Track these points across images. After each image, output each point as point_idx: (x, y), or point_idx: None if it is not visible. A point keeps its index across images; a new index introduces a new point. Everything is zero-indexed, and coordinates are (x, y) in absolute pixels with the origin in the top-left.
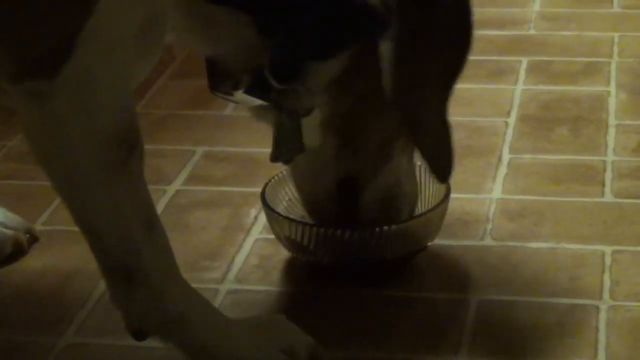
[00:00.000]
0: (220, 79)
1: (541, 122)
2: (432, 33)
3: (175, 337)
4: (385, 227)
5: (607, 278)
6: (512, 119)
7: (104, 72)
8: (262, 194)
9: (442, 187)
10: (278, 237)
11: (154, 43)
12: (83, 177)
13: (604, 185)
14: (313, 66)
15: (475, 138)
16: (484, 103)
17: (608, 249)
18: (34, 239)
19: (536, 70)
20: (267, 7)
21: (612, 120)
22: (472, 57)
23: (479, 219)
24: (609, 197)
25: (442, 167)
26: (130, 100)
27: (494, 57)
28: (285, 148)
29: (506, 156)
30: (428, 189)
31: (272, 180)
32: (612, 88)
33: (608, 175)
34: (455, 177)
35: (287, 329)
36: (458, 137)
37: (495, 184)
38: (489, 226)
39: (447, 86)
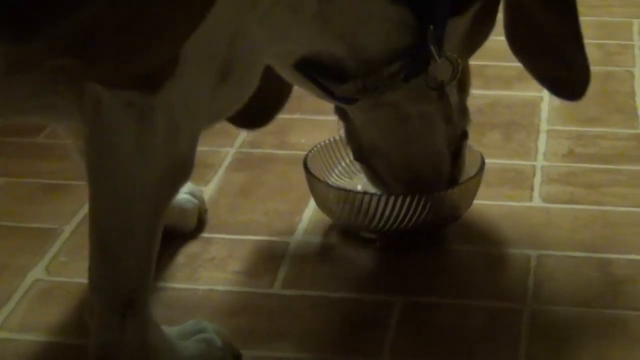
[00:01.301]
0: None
1: (474, 126)
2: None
3: None
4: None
5: (531, 282)
6: None
7: (198, 92)
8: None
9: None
10: (324, 206)
11: (242, 68)
12: (142, 198)
13: (532, 189)
14: (451, 24)
15: None
16: None
17: (534, 253)
18: (205, 210)
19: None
20: None
21: (543, 126)
22: None
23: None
24: (537, 202)
25: (579, 83)
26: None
27: None
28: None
29: None
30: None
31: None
32: (545, 93)
33: (537, 180)
34: None
35: (205, 326)
36: None
37: None
38: None
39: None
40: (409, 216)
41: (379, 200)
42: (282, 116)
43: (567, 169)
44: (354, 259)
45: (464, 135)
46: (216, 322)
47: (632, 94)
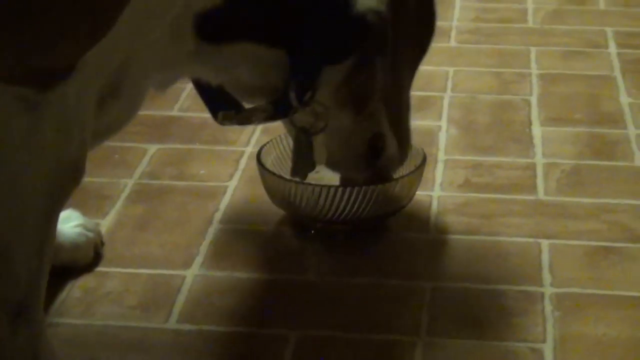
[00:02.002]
0: (227, 112)
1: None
2: (404, 30)
3: None
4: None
5: (425, 315)
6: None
7: (88, 102)
8: (258, 156)
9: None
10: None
11: (132, 86)
12: (32, 197)
13: (429, 221)
14: (327, 72)
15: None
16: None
17: (428, 285)
18: (102, 243)
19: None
20: (279, 27)
21: (441, 155)
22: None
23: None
24: (433, 234)
25: (403, 137)
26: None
27: None
28: (302, 164)
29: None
30: None
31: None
32: (444, 123)
33: (434, 211)
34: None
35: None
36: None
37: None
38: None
39: (414, 71)
40: (355, 207)
41: (328, 191)
42: (181, 146)
43: (463, 199)
44: (251, 293)
45: (378, 137)
46: (111, 358)
47: (529, 122)
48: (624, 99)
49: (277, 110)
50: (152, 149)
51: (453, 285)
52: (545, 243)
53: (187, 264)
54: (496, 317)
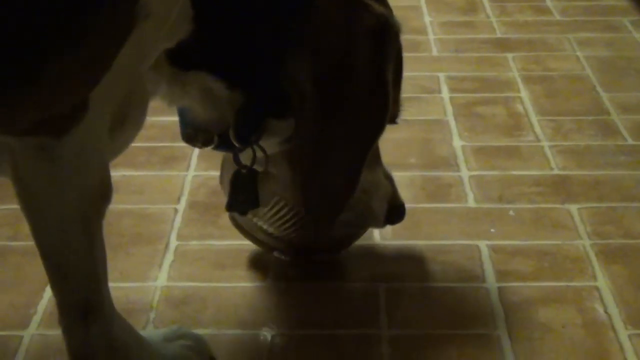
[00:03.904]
0: (193, 133)
1: (210, 208)
2: (345, 106)
3: None
4: None
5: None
6: (181, 206)
7: (102, 132)
8: None
9: None
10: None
11: (136, 114)
12: (70, 223)
13: (267, 269)
14: (271, 124)
15: (145, 225)
16: (154, 190)
17: (268, 334)
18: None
19: (207, 156)
20: (230, 69)
21: None
22: (144, 144)
23: (142, 307)
24: (270, 282)
25: (319, 217)
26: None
27: (167, 144)
28: (240, 200)
29: (174, 243)
30: None
31: None
32: None
33: (272, 258)
34: (122, 266)
35: (188, 334)
36: (127, 225)
37: (161, 271)
38: (152, 315)
39: (359, 150)
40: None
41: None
42: (16, 207)
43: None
44: None
45: None
46: None
47: None
48: (457, 142)
49: (220, 142)
50: None
51: (294, 332)
52: (382, 287)
53: (24, 325)
54: None
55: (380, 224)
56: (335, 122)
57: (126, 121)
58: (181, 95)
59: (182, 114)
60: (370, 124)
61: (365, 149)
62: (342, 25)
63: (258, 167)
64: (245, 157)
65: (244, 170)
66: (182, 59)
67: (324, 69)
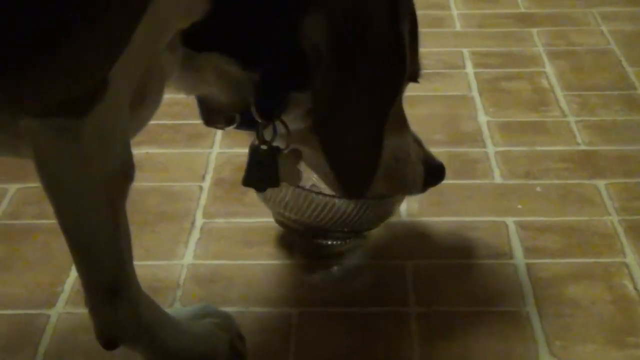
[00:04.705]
0: (214, 115)
1: (235, 185)
2: (362, 64)
3: (144, 342)
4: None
5: (293, 342)
6: (206, 183)
7: (123, 111)
8: None
9: None
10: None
11: (155, 91)
12: (93, 203)
13: (293, 246)
14: (295, 97)
15: (169, 203)
16: (179, 168)
17: (295, 311)
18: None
19: (232, 133)
20: (247, 46)
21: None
22: (168, 122)
23: (169, 285)
24: (296, 259)
25: (351, 186)
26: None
27: (191, 121)
28: (258, 177)
29: (199, 221)
30: None
31: None
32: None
33: (297, 237)
34: (148, 244)
35: (215, 311)
36: (152, 203)
37: (187, 249)
38: (179, 292)
39: (379, 109)
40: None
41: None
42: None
43: None
44: None
45: None
46: None
47: None
48: (482, 118)
49: (242, 120)
50: (12, 188)
51: (321, 309)
52: (410, 264)
53: (51, 303)
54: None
55: (419, 189)
56: (353, 82)
57: (145, 99)
58: (197, 82)
59: (200, 99)
60: (388, 80)
61: (386, 108)
62: None
63: (281, 145)
64: (267, 135)
65: (264, 147)
66: (195, 40)
67: (340, 28)
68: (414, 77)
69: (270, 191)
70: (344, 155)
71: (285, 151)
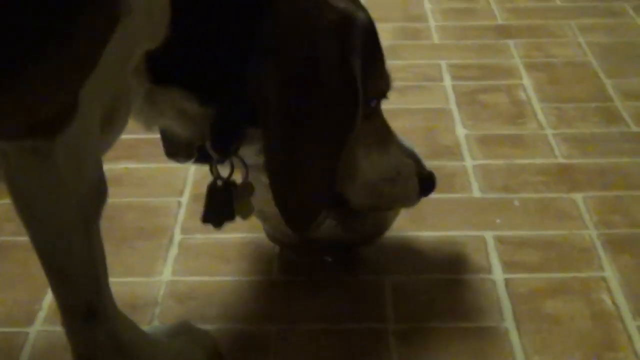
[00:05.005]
0: (175, 148)
1: None
2: (313, 107)
3: None
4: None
5: (271, 359)
6: (185, 198)
7: (94, 131)
8: None
9: None
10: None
11: (122, 114)
12: (67, 224)
13: (272, 262)
14: (251, 133)
15: (148, 219)
16: (157, 183)
17: (274, 328)
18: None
19: None
20: (202, 81)
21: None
22: (147, 136)
23: (148, 302)
24: (275, 275)
25: (294, 221)
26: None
27: None
28: (216, 213)
29: (178, 237)
30: None
31: None
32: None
33: (276, 251)
34: (126, 261)
35: (194, 329)
36: (130, 219)
37: (166, 266)
38: (158, 310)
39: (332, 150)
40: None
41: None
42: None
43: None
44: None
45: None
46: None
47: None
48: (460, 131)
49: (200, 155)
50: None
51: (302, 327)
52: (388, 280)
53: (29, 321)
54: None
55: (415, 202)
56: (302, 126)
57: (113, 122)
58: (156, 116)
59: (163, 131)
60: (340, 122)
61: (338, 149)
62: (301, 24)
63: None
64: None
65: (219, 182)
66: (155, 72)
67: (288, 72)
68: (383, 94)
69: (270, 210)
70: (292, 194)
71: (240, 185)
